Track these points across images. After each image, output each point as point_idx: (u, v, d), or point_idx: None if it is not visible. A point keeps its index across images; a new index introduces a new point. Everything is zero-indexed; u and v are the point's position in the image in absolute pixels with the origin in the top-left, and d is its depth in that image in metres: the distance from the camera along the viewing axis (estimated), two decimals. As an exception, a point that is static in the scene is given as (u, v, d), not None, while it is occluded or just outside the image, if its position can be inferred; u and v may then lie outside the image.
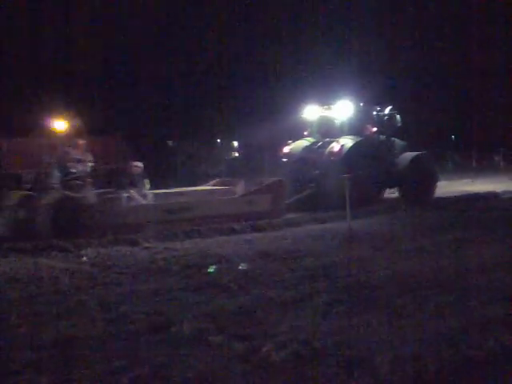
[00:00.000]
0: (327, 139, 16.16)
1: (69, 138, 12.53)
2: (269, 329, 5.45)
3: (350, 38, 31.83)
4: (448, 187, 19.27)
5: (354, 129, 16.02)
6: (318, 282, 7.33)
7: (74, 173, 12.24)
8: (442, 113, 34.95)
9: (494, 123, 37.16)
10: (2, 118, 20.63)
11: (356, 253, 9.29)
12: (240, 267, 8.30)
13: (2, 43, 24.36)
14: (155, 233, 11.23)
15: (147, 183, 12.94)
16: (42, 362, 4.80)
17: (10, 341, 5.39)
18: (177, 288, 7.19)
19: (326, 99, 16.75)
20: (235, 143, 32.86)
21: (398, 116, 16.46)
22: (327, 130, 16.61)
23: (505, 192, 17.55)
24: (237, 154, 32.31)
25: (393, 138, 16.75)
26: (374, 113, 16.48)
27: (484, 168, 30.64)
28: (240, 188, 14.40)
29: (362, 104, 16.38)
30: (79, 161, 12.58)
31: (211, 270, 8.22)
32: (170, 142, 29.95)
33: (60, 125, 12.16)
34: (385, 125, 16.40)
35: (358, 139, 15.61)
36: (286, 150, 16.63)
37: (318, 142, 16.36)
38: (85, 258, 9.46)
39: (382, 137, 16.41)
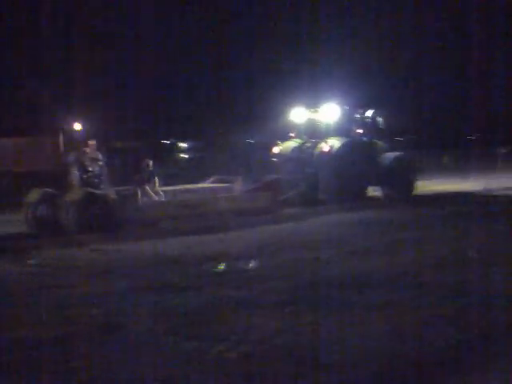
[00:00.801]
0: (314, 140, 17.28)
1: (84, 138, 13.16)
2: (221, 329, 5.47)
3: (336, 43, 32.80)
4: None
5: (340, 130, 17.19)
6: (271, 281, 7.34)
7: (92, 171, 12.88)
8: (426, 115, 36.16)
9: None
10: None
11: (314, 253, 9.28)
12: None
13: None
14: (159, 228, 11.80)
15: (158, 181, 13.67)
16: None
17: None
18: (128, 289, 7.10)
19: (312, 102, 17.86)
20: (185, 144, 32.59)
21: (380, 119, 17.74)
22: (314, 132, 17.72)
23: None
24: (187, 156, 32.01)
25: (374, 140, 17.99)
26: (358, 116, 17.71)
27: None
28: (238, 185, 15.32)
29: (347, 107, 17.56)
30: (94, 160, 13.22)
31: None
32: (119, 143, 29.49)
33: (78, 126, 12.75)
34: (368, 127, 17.65)
35: (345, 140, 16.78)
36: (275, 150, 17.66)
37: (306, 143, 17.46)
38: (32, 261, 9.40)
39: (365, 138, 17.64)
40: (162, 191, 13.89)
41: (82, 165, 12.84)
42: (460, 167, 29.03)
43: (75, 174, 12.64)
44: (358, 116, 17.72)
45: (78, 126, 12.82)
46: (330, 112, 17.31)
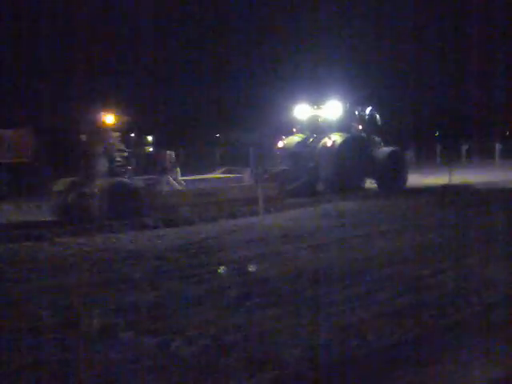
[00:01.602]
0: (316, 135, 18.58)
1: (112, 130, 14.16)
2: (179, 324, 5.43)
3: (338, 41, 33.75)
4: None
5: (341, 126, 18.50)
6: (230, 276, 7.32)
7: (119, 161, 14.01)
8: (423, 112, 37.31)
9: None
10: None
11: (273, 247, 9.25)
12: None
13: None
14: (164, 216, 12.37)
15: (179, 171, 14.82)
16: None
17: None
18: (86, 284, 7.03)
19: (315, 99, 19.14)
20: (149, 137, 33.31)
21: (377, 116, 19.11)
22: (316, 127, 19.01)
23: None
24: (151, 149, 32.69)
25: (372, 135, 19.33)
26: (357, 112, 19.02)
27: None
28: (247, 176, 16.53)
29: (348, 104, 18.87)
30: (119, 150, 14.33)
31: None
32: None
33: (108, 118, 13.76)
34: (366, 123, 18.99)
35: (346, 135, 18.08)
36: (280, 144, 18.93)
37: (309, 138, 18.75)
38: None
39: (364, 134, 18.97)
40: (186, 180, 15.01)
41: (110, 155, 13.95)
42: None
43: (103, 163, 13.73)
44: (357, 113, 19.06)
45: (109, 119, 13.84)
46: (332, 109, 18.62)
